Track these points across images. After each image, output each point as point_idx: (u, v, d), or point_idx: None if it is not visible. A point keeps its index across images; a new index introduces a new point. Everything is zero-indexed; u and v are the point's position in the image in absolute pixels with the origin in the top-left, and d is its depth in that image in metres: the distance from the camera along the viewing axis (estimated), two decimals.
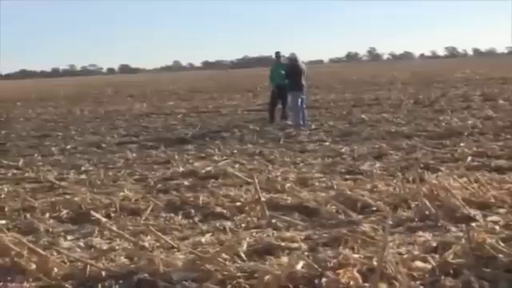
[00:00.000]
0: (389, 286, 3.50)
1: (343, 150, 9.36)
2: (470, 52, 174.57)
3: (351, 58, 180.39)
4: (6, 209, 6.19)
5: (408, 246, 4.36)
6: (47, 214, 5.98)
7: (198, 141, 11.50)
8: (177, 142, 11.59)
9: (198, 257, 4.07)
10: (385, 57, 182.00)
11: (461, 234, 4.43)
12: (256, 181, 5.97)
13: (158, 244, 4.63)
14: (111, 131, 14.24)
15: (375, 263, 3.66)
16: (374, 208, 5.56)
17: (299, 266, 3.74)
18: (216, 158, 9.26)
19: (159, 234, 4.75)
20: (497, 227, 4.71)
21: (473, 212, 5.10)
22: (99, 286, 3.84)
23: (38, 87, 57.16)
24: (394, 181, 6.58)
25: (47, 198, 6.67)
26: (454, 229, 4.78)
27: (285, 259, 4.10)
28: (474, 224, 4.80)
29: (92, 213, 5.58)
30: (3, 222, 5.74)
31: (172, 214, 5.80)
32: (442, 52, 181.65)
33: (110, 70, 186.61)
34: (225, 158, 9.18)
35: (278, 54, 14.91)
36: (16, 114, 21.42)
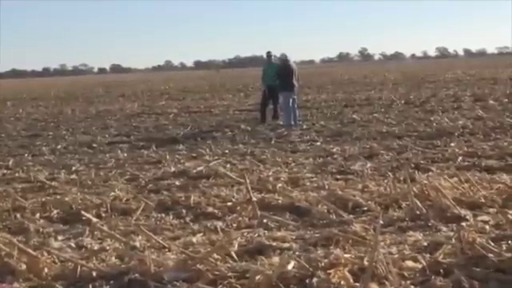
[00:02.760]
0: (380, 285, 3.51)
1: (334, 150, 9.37)
2: (461, 52, 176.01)
3: (343, 58, 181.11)
4: None
5: (399, 245, 4.37)
6: (37, 214, 5.95)
7: (189, 141, 11.49)
8: (168, 141, 11.58)
9: (189, 257, 4.06)
10: (376, 57, 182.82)
11: (451, 234, 4.44)
12: (247, 181, 5.98)
13: (149, 244, 4.61)
14: (102, 131, 14.20)
15: (366, 263, 3.67)
16: (365, 208, 5.57)
17: (290, 266, 3.73)
18: (207, 157, 9.24)
19: (150, 234, 4.74)
20: (487, 227, 4.73)
21: (463, 212, 5.12)
22: (90, 286, 3.83)
23: (29, 87, 56.85)
24: (385, 181, 6.59)
25: (37, 198, 6.64)
26: (444, 228, 4.81)
27: (276, 259, 4.09)
28: (464, 224, 4.83)
29: (83, 213, 5.56)
30: None
31: (163, 214, 5.79)
32: (432, 52, 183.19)
33: (102, 70, 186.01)
34: (216, 157, 9.17)
35: (269, 53, 14.93)
36: (6, 114, 21.30)
